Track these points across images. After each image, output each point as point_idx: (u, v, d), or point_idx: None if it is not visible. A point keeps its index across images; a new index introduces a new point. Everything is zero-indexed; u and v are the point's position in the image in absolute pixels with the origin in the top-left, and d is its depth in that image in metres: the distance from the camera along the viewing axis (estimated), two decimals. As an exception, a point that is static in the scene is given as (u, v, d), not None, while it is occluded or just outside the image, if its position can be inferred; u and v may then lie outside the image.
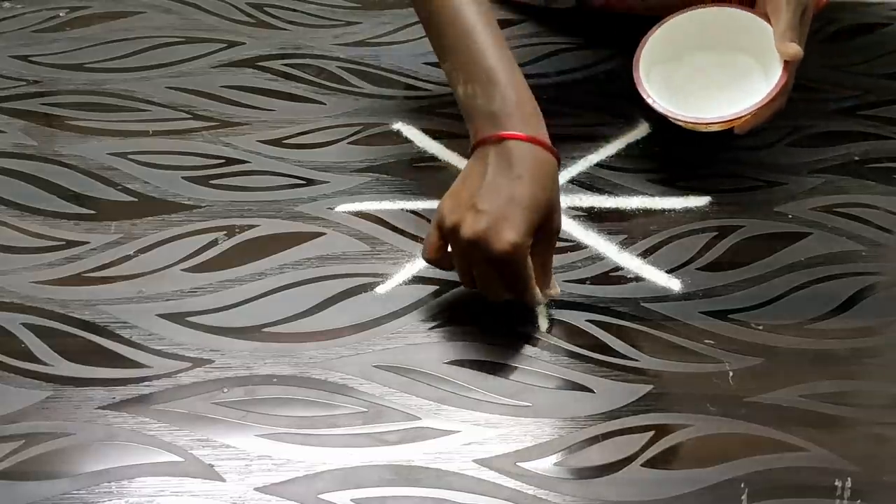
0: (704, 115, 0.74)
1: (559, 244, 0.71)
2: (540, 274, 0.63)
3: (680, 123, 0.76)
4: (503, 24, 0.94)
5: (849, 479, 0.58)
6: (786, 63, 0.73)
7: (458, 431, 0.60)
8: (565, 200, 0.75)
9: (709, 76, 0.78)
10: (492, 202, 0.60)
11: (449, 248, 0.63)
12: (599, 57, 0.89)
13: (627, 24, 0.85)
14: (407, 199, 0.76)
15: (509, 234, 0.59)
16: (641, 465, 0.59)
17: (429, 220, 0.73)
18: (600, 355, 0.65)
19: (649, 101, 0.75)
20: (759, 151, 0.80)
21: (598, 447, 0.60)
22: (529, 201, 0.60)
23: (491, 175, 0.61)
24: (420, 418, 0.61)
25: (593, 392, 0.63)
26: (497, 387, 0.63)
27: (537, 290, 0.63)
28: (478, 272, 0.62)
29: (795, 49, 0.72)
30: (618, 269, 0.71)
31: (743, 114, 0.73)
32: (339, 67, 0.89)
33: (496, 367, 0.64)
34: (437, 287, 0.69)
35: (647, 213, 0.75)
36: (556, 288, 0.66)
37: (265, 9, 0.95)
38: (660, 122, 0.82)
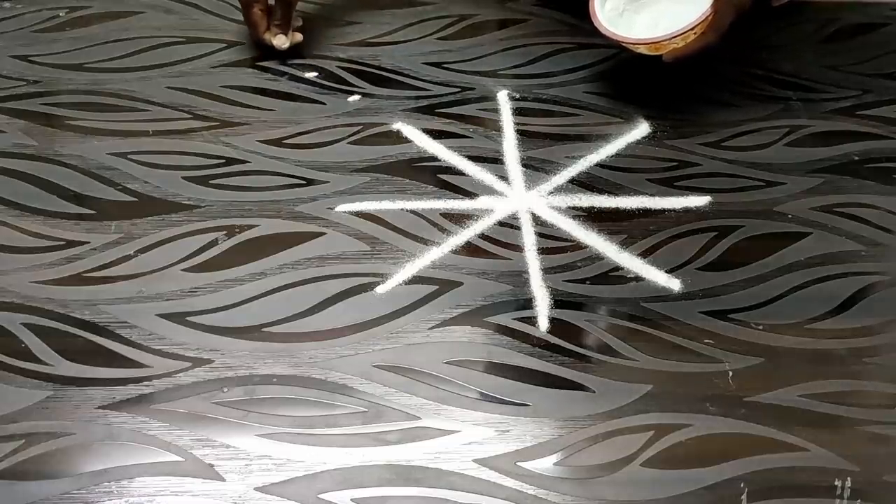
0: (629, 34, 0.79)
1: (559, 244, 0.72)
2: (279, 22, 0.87)
3: (613, 40, 0.80)
4: (503, 24, 0.94)
5: (849, 478, 0.58)
6: (714, 1, 0.76)
7: (458, 431, 0.60)
8: (565, 200, 0.75)
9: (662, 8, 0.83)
10: None
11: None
12: (599, 57, 0.89)
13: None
14: (407, 199, 0.76)
15: None
16: (641, 465, 0.59)
17: (429, 220, 0.74)
18: (600, 355, 0.65)
19: (592, 10, 0.80)
20: (758, 151, 0.80)
21: (597, 447, 0.60)
22: None
23: None
24: (420, 418, 0.61)
25: (593, 392, 0.63)
26: (497, 387, 0.63)
27: (266, 34, 0.87)
28: None
29: None
30: (618, 269, 0.71)
31: (662, 39, 0.77)
32: (339, 67, 0.89)
33: (496, 367, 0.64)
34: (437, 287, 0.69)
35: (647, 213, 0.75)
36: (283, 40, 0.87)
37: (265, 9, 0.95)
38: (660, 122, 0.82)
